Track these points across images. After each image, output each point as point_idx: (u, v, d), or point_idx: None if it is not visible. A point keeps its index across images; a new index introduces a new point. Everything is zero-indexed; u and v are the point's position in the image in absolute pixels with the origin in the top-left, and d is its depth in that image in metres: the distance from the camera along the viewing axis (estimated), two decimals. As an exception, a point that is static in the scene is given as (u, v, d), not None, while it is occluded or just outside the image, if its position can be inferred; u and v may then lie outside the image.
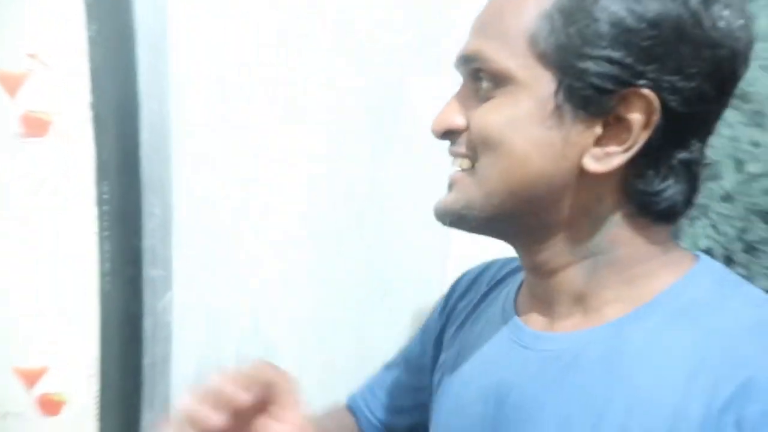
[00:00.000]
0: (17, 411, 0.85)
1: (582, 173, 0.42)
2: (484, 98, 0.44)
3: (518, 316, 0.49)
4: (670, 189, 0.42)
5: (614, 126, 0.41)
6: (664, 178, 0.42)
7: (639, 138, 0.40)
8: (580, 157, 0.42)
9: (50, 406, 0.86)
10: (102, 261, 0.82)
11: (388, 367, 0.68)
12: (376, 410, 0.66)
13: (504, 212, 0.44)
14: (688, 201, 0.43)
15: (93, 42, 0.73)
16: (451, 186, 0.47)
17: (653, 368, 0.40)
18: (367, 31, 0.88)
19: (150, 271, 0.91)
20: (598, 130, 0.41)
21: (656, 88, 0.39)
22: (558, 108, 0.41)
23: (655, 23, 0.39)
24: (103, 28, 0.73)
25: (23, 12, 0.73)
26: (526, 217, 0.45)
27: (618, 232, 0.43)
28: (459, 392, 0.52)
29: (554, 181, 0.43)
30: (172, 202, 0.89)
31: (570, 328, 0.45)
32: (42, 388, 0.85)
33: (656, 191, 0.42)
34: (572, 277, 0.45)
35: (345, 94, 0.88)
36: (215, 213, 0.90)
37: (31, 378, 0.84)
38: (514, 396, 0.45)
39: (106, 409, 0.87)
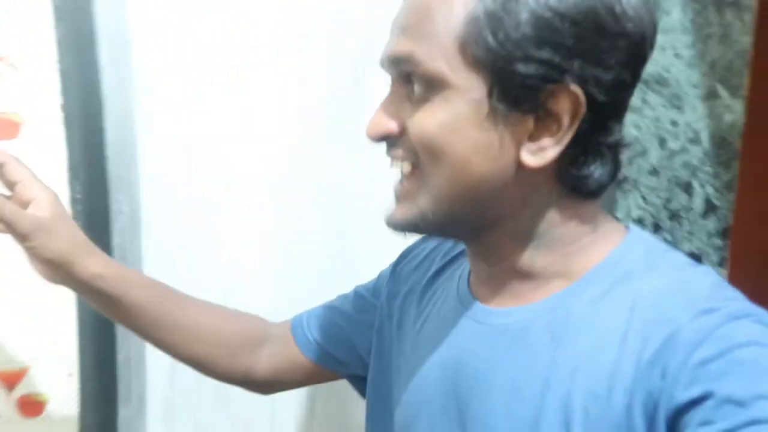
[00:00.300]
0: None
1: (519, 167, 0.44)
2: (418, 102, 0.44)
3: (472, 294, 0.52)
4: (598, 170, 0.44)
5: (544, 119, 0.43)
6: (593, 162, 0.44)
7: (569, 130, 0.42)
8: (516, 153, 0.44)
9: (31, 407, 0.86)
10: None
11: (338, 297, 0.71)
12: (312, 327, 0.67)
13: (454, 215, 0.46)
14: (613, 177, 0.46)
15: (61, 43, 0.74)
16: (398, 197, 0.48)
17: (592, 334, 0.43)
18: (334, 26, 0.91)
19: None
20: (530, 125, 0.43)
21: (581, 81, 0.42)
22: (492, 110, 0.42)
23: (575, 20, 0.41)
24: (69, 29, 0.74)
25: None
26: (473, 217, 0.47)
27: (554, 215, 0.46)
28: (420, 366, 0.54)
29: (495, 180, 0.44)
30: (140, 200, 0.91)
31: (518, 303, 0.48)
32: (22, 389, 0.85)
33: (587, 174, 0.44)
34: (518, 261, 0.48)
35: (311, 90, 0.92)
36: (184, 210, 0.92)
37: (10, 380, 0.84)
38: (469, 367, 0.49)
39: (85, 407, 0.88)
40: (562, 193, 0.46)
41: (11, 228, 0.54)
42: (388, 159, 0.48)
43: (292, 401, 0.99)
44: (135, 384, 0.97)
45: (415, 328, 0.58)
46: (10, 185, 0.57)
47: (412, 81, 0.45)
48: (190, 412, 0.98)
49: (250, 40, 0.88)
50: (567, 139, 0.43)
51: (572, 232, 0.47)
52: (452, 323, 0.52)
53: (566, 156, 0.44)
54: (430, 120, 0.44)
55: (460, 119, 0.43)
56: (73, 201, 0.81)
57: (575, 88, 0.42)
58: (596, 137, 0.44)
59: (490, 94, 0.42)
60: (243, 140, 0.91)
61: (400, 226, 0.48)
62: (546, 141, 0.43)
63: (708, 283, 0.44)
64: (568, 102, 0.42)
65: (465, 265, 0.55)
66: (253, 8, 0.87)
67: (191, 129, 0.89)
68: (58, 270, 0.58)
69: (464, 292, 0.53)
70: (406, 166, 0.47)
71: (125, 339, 0.96)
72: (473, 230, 0.48)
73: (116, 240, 0.91)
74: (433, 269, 0.61)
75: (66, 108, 0.77)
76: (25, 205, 0.56)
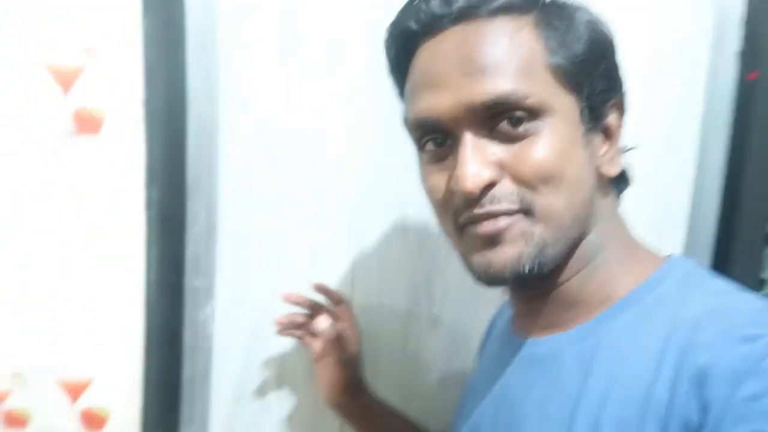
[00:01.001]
0: (60, 425, 0.80)
1: (598, 181, 0.48)
2: (524, 136, 0.44)
3: (513, 330, 0.54)
4: (624, 169, 0.50)
5: (606, 131, 0.48)
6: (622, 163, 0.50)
7: (619, 137, 0.49)
8: (598, 166, 0.48)
9: (94, 420, 0.81)
10: (148, 269, 0.78)
11: None
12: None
13: (571, 240, 0.47)
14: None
15: (147, 37, 0.70)
16: (505, 240, 0.45)
17: (625, 360, 0.42)
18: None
19: (192, 281, 0.87)
20: (601, 138, 0.48)
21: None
22: (585, 128, 0.46)
23: (607, 37, 0.48)
24: (158, 22, 0.70)
25: (78, 5, 0.70)
26: (579, 239, 0.48)
27: (611, 229, 0.49)
28: (475, 405, 0.56)
29: (592, 196, 0.47)
30: (218, 209, 0.86)
31: (553, 332, 0.49)
32: (86, 401, 0.80)
33: (623, 174, 0.50)
34: (570, 286, 0.48)
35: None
36: (261, 222, 0.86)
37: (75, 391, 0.80)
38: (509, 399, 0.50)
39: (146, 425, 0.82)
40: (615, 203, 0.50)
41: (344, 343, 0.74)
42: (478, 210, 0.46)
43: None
44: (198, 405, 0.91)
45: (474, 376, 0.62)
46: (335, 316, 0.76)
47: (515, 117, 0.44)
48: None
49: (336, 42, 0.81)
50: (619, 145, 0.49)
51: (621, 251, 0.48)
52: (498, 361, 0.54)
53: None
54: (546, 149, 0.44)
55: (568, 142, 0.45)
56: (149, 205, 0.76)
57: (623, 98, 0.49)
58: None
59: (581, 113, 0.46)
60: (328, 148, 0.84)
61: (518, 267, 0.45)
62: (613, 150, 0.48)
63: (752, 308, 0.41)
64: (618, 111, 0.49)
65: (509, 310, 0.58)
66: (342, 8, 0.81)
67: (274, 135, 0.83)
68: (342, 394, 0.74)
69: (506, 331, 0.56)
70: (513, 206, 0.45)
71: (191, 358, 0.90)
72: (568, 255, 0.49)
73: (191, 249, 0.86)
74: (491, 324, 0.68)
75: (148, 105, 0.73)
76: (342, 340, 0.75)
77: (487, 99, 0.43)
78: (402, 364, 0.89)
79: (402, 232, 0.89)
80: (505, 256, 0.45)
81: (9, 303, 0.79)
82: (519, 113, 0.44)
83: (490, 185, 0.45)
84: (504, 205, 0.45)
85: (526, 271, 0.45)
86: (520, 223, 0.45)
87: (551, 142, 0.44)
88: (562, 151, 0.44)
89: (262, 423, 0.90)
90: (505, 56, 0.43)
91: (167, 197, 0.81)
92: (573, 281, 0.48)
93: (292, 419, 0.90)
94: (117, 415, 0.81)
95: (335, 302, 0.77)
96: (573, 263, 0.48)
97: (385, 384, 0.86)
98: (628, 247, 0.49)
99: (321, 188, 0.85)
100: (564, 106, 0.44)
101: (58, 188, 0.74)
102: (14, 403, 0.81)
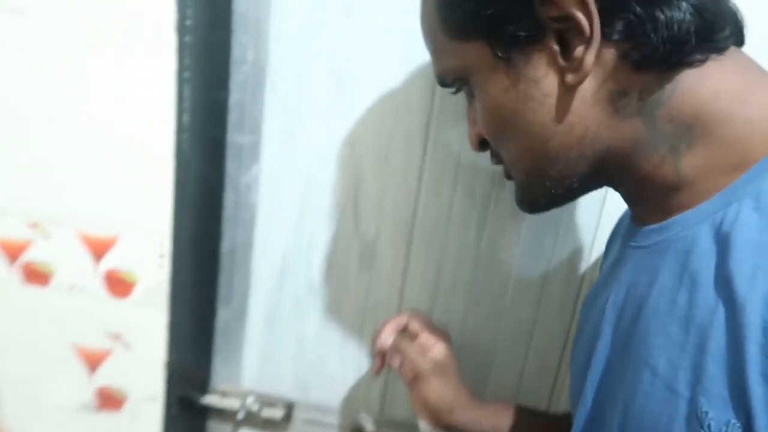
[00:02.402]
0: (83, 284, 0.71)
1: (569, 90, 0.41)
2: (473, 100, 0.47)
3: (633, 226, 0.48)
4: (666, 14, 0.38)
5: (564, 33, 0.40)
6: (651, 15, 0.38)
7: (589, 21, 0.38)
8: (560, 80, 0.41)
9: (119, 285, 0.71)
10: (179, 111, 0.64)
11: None
12: None
13: (544, 175, 0.45)
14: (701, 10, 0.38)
15: None
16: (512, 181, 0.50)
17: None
18: None
19: (235, 136, 0.73)
20: (555, 46, 0.40)
21: None
22: (506, 62, 0.42)
23: None
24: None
25: None
26: (570, 166, 0.44)
27: (669, 106, 0.40)
28: (582, 318, 0.55)
29: (570, 118, 0.42)
30: (268, 48, 0.70)
31: (676, 213, 0.42)
32: (110, 262, 0.70)
33: (657, 29, 0.38)
34: (663, 169, 0.42)
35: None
36: (318, 68, 0.70)
37: (98, 248, 0.70)
38: (635, 291, 0.44)
39: (176, 300, 0.72)
40: (659, 78, 0.40)
41: (414, 366, 0.62)
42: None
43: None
44: (238, 282, 0.80)
45: (592, 288, 0.57)
46: (414, 336, 0.65)
47: (458, 89, 0.49)
48: (295, 323, 0.80)
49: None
50: (597, 31, 0.38)
51: (712, 112, 0.39)
52: (613, 262, 0.51)
53: (620, 43, 0.39)
54: (482, 108, 0.45)
55: (496, 90, 0.43)
56: (181, 29, 0.61)
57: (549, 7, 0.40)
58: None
59: (493, 51, 0.42)
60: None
61: (526, 206, 0.50)
62: (578, 50, 0.40)
63: None
64: (557, 12, 0.39)
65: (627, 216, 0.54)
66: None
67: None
68: (438, 415, 0.62)
69: (626, 227, 0.51)
70: (494, 161, 0.51)
71: (232, 228, 0.78)
72: (594, 176, 0.45)
73: (235, 96, 0.71)
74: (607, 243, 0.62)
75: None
76: (425, 352, 0.64)
77: (437, 81, 0.49)
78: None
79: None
80: (517, 195, 0.49)
81: (24, 142, 0.68)
82: (454, 85, 0.48)
83: (485, 141, 0.49)
84: (495, 159, 0.50)
85: (541, 206, 0.49)
86: (510, 173, 0.49)
87: (482, 100, 0.45)
88: (494, 104, 0.44)
89: (305, 307, 0.79)
90: (429, 39, 0.48)
91: (209, 23, 0.65)
92: (659, 168, 0.42)
93: (339, 304, 0.78)
94: (143, 283, 0.70)
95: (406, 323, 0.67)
96: (636, 162, 0.42)
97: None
98: (726, 98, 0.39)
99: (395, 30, 0.67)
100: (474, 57, 0.43)
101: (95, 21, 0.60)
102: (35, 255, 0.72)
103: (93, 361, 0.75)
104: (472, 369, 0.78)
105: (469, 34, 0.43)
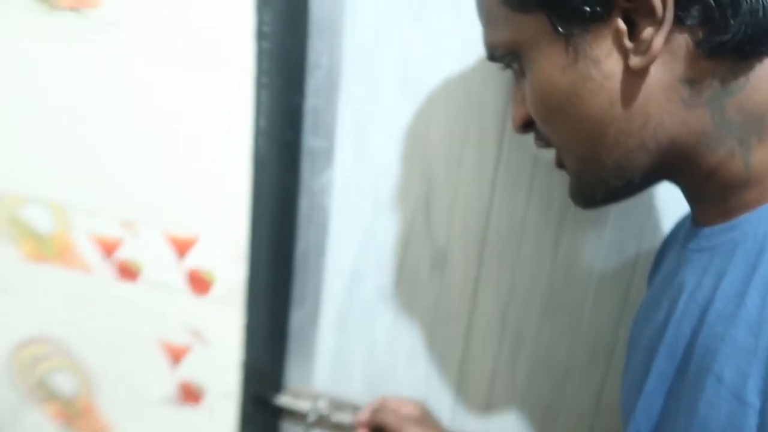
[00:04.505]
0: (167, 281, 0.75)
1: (632, 74, 0.38)
2: (522, 79, 0.45)
3: (693, 227, 0.45)
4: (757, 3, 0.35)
5: (634, 12, 0.37)
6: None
7: (662, 2, 0.36)
8: (626, 62, 0.38)
9: (199, 283, 0.75)
10: (257, 115, 0.67)
11: None
12: None
13: (606, 164, 0.42)
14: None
15: None
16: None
17: None
18: None
19: (310, 140, 0.75)
20: (622, 26, 0.38)
21: None
22: (566, 38, 0.39)
23: None
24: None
25: None
26: (628, 157, 0.41)
27: (746, 93, 0.37)
28: (635, 330, 0.52)
29: (632, 104, 0.39)
30: (342, 53, 0.71)
31: (743, 211, 0.39)
32: (193, 261, 0.74)
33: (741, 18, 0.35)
34: (730, 164, 0.39)
35: None
36: (391, 70, 0.70)
37: (181, 247, 0.74)
38: (692, 300, 0.41)
39: (252, 300, 0.74)
40: (732, 67, 0.37)
41: (393, 420, 0.68)
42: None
43: (480, 339, 0.75)
44: (311, 285, 0.81)
45: (642, 306, 0.53)
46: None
47: (508, 64, 0.46)
48: (365, 327, 0.80)
49: None
50: (669, 13, 0.36)
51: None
52: (676, 270, 0.46)
53: (694, 28, 0.37)
54: (533, 88, 0.43)
55: (552, 70, 0.41)
56: (259, 34, 0.63)
57: None
58: None
59: (554, 26, 0.40)
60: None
61: (579, 200, 0.48)
62: (647, 32, 0.37)
63: None
64: None
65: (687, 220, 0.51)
66: None
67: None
68: None
69: (686, 234, 0.47)
70: (541, 144, 0.48)
71: (306, 230, 0.79)
72: (655, 168, 0.42)
73: (310, 101, 0.73)
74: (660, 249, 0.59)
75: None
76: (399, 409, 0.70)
77: (486, 54, 0.47)
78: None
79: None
80: (571, 187, 0.47)
81: (119, 144, 0.73)
82: (504, 60, 0.45)
83: (530, 123, 0.46)
84: (542, 142, 0.47)
85: (598, 200, 0.46)
86: (563, 160, 0.46)
87: (535, 78, 0.42)
88: (548, 83, 0.41)
89: (376, 311, 0.79)
90: (484, 9, 0.45)
91: (287, 28, 0.67)
92: (726, 162, 0.39)
93: (409, 310, 0.78)
94: (222, 282, 0.73)
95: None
96: (700, 155, 0.40)
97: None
98: None
99: (467, 29, 0.66)
100: (531, 31, 0.41)
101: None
102: (127, 252, 0.77)
103: (175, 356, 0.79)
104: (546, 385, 0.74)
105: (530, 5, 0.40)
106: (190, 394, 0.81)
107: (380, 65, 0.70)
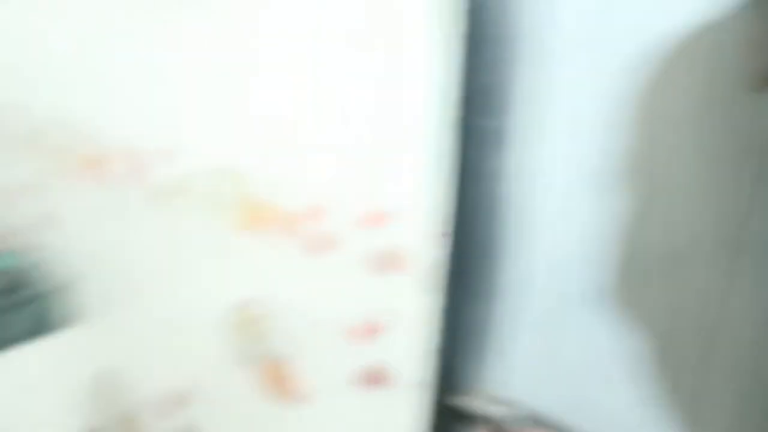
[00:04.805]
0: (346, 261, 0.75)
1: None
2: None
3: None
4: None
5: None
6: None
7: None
8: None
9: (391, 265, 0.73)
10: (452, 95, 0.61)
11: None
12: None
13: None
14: None
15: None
16: None
17: None
18: None
19: (500, 124, 0.66)
20: None
21: None
22: None
23: None
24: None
25: None
26: None
27: None
28: None
29: None
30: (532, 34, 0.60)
31: None
32: (384, 242, 0.72)
33: None
34: None
35: None
36: (601, 52, 0.57)
37: (374, 228, 0.72)
38: None
39: (442, 290, 0.69)
40: None
41: None
42: None
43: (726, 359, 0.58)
44: (506, 280, 0.72)
45: None
46: None
47: None
48: (562, 333, 0.69)
49: None
50: None
51: None
52: None
53: None
54: None
55: None
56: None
57: None
58: None
59: None
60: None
61: None
62: None
63: None
64: None
65: None
66: None
67: None
68: None
69: None
70: None
71: (501, 220, 0.70)
72: None
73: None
74: None
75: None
76: None
77: None
78: None
79: None
80: None
81: (317, 132, 0.74)
82: None
83: None
84: None
85: None
86: None
87: None
88: None
89: (573, 315, 0.66)
90: None
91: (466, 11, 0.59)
92: None
93: (630, 318, 0.63)
94: (414, 267, 0.70)
95: None
96: None
97: None
98: None
99: None
100: None
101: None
102: (321, 228, 0.78)
103: (366, 337, 0.78)
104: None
105: None
106: (378, 378, 0.79)
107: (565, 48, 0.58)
